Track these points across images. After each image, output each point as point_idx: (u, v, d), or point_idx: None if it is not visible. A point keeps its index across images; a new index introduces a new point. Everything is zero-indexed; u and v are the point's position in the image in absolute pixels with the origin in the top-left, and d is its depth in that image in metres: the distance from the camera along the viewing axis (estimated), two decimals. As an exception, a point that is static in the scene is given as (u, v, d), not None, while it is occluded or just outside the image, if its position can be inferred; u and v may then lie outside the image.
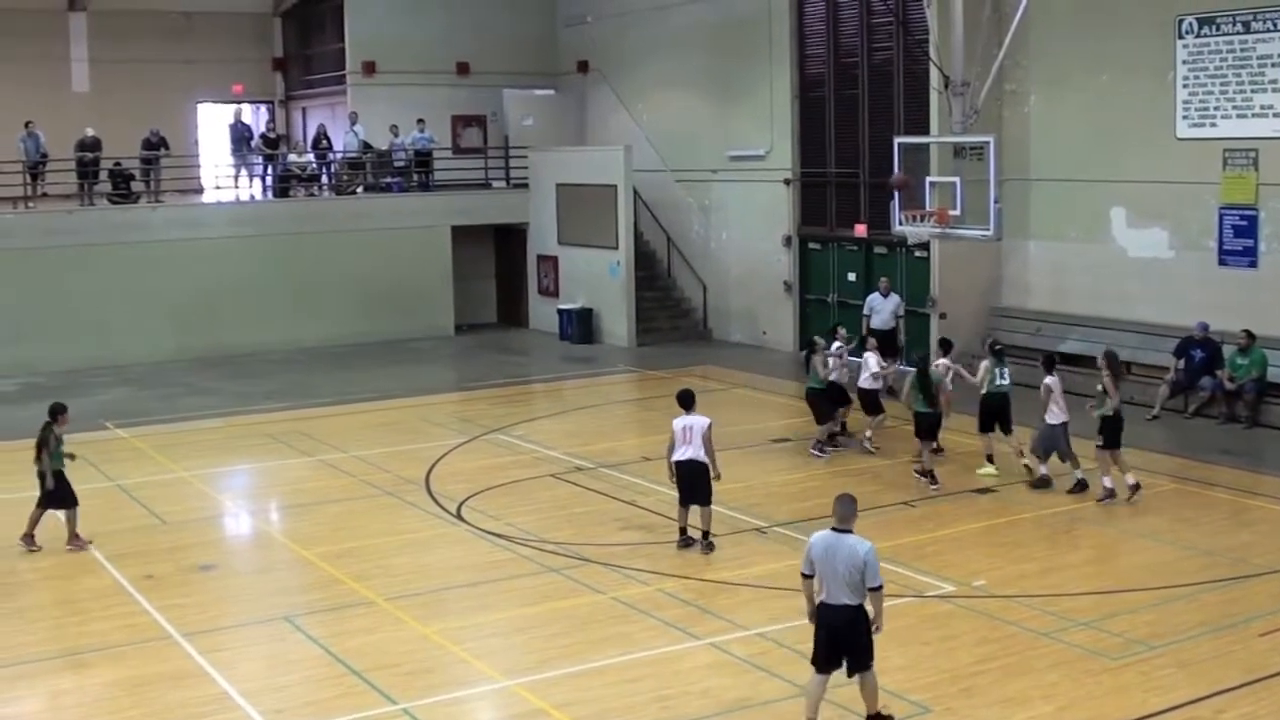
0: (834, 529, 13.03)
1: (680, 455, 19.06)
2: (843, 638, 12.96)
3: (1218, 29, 27.85)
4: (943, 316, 32.12)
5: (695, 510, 19.17)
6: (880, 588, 12.95)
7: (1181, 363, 27.36)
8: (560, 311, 39.65)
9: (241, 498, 24.04)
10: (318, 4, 45.87)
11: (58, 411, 20.64)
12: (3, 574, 18.82)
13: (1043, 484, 21.94)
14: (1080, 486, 21.43)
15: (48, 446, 20.29)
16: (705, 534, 19.17)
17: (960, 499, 21.50)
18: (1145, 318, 29.34)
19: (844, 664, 13.12)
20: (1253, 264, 27.58)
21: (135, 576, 18.46)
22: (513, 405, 30.04)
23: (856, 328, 30.11)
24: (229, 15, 45.67)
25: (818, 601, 13.08)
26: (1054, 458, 21.92)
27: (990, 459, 23.09)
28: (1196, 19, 28.16)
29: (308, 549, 19.75)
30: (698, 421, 19.07)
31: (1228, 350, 27.06)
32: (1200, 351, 27.24)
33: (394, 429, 27.72)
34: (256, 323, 37.02)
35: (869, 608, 12.97)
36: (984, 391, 23.03)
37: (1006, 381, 23.06)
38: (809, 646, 15.13)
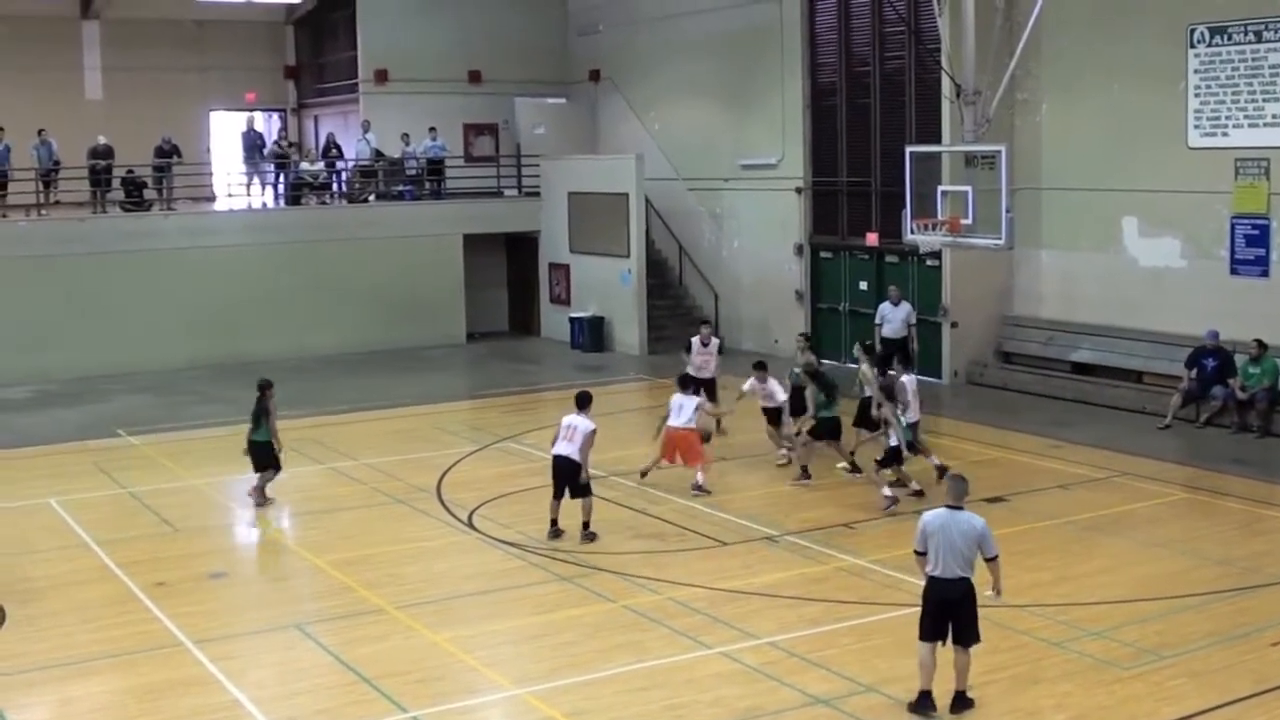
0: (948, 505, 13.91)
1: (557, 450, 20.03)
2: (954, 609, 13.66)
3: (1229, 38, 27.84)
4: (954, 325, 32.12)
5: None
6: (997, 557, 13.99)
7: (1194, 372, 27.32)
8: (572, 320, 39.65)
9: (252, 505, 24.00)
10: (330, 12, 45.92)
11: (266, 386, 23.03)
12: (15, 581, 18.82)
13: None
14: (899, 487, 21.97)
15: (268, 416, 22.59)
16: (585, 524, 20.02)
17: (973, 508, 21.19)
18: (1157, 327, 29.31)
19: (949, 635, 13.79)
20: (1264, 273, 27.55)
21: (146, 584, 18.48)
22: (524, 413, 30.03)
23: (869, 337, 30.12)
24: (242, 24, 45.80)
25: (930, 575, 13.79)
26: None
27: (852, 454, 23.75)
28: (1208, 28, 28.14)
29: (319, 556, 19.76)
30: (582, 424, 20.02)
31: (1240, 359, 27.03)
32: (1212, 360, 27.21)
33: (406, 437, 27.74)
34: (268, 330, 37.05)
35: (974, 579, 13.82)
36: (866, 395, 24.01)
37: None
38: (821, 655, 15.28)
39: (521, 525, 20.77)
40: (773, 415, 24.98)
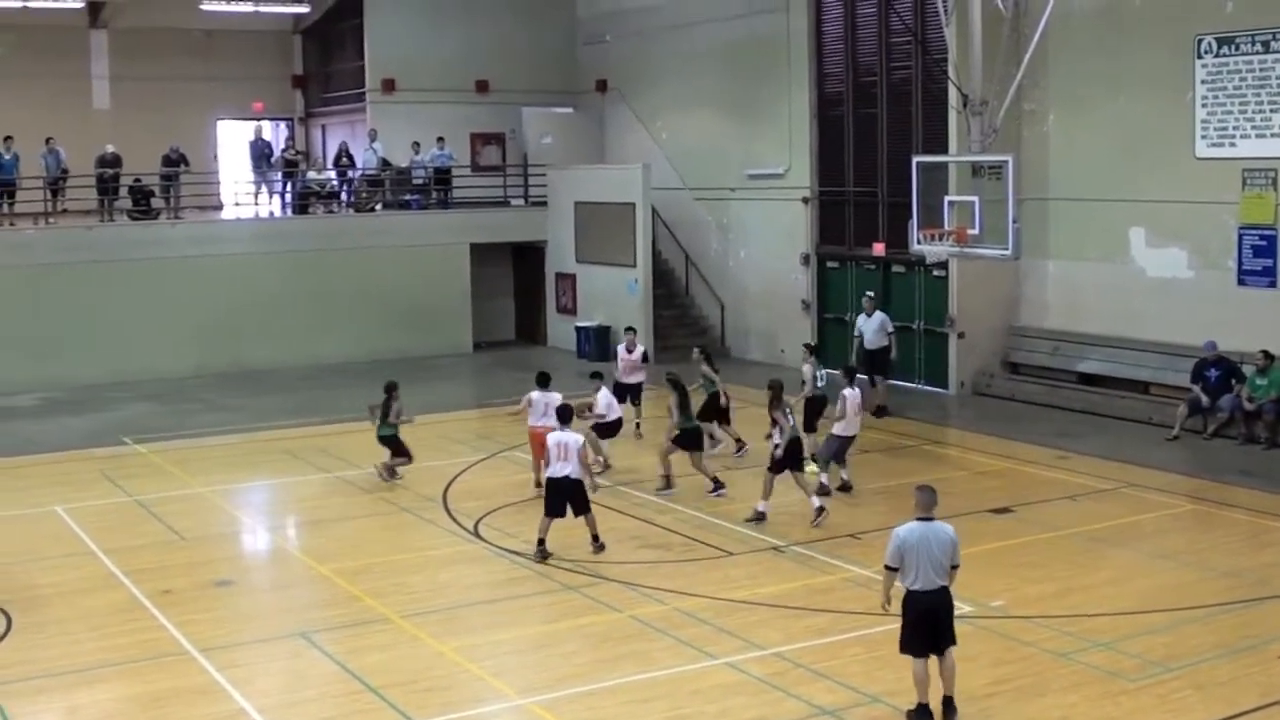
0: (919, 518, 13.83)
1: (555, 472, 19.64)
2: (939, 619, 13.77)
3: (1237, 49, 27.84)
4: (961, 336, 32.12)
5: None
6: (959, 566, 14.00)
7: (1199, 385, 27.27)
8: (578, 329, 39.67)
9: (259, 514, 24.10)
10: (338, 22, 46.01)
11: (392, 387, 24.80)
12: (22, 588, 18.85)
13: (823, 492, 22.38)
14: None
15: (389, 413, 24.39)
16: (594, 537, 19.90)
17: (979, 519, 21.44)
18: (1164, 338, 29.29)
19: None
20: (1272, 284, 27.52)
21: (152, 592, 18.49)
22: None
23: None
24: (249, 33, 45.81)
25: (910, 590, 13.77)
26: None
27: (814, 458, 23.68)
28: (1215, 39, 28.14)
29: (325, 565, 19.77)
30: (572, 440, 19.69)
31: (1247, 370, 27.00)
32: (1215, 371, 27.19)
33: (412, 446, 27.66)
34: (275, 339, 37.10)
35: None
36: (809, 394, 24.84)
37: (824, 384, 25.16)
38: (827, 665, 15.28)
39: (528, 534, 20.71)
40: (631, 391, 26.07)
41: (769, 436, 22.17)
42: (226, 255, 37.15)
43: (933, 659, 13.85)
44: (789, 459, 21.47)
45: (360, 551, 20.50)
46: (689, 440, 23.21)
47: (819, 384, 24.94)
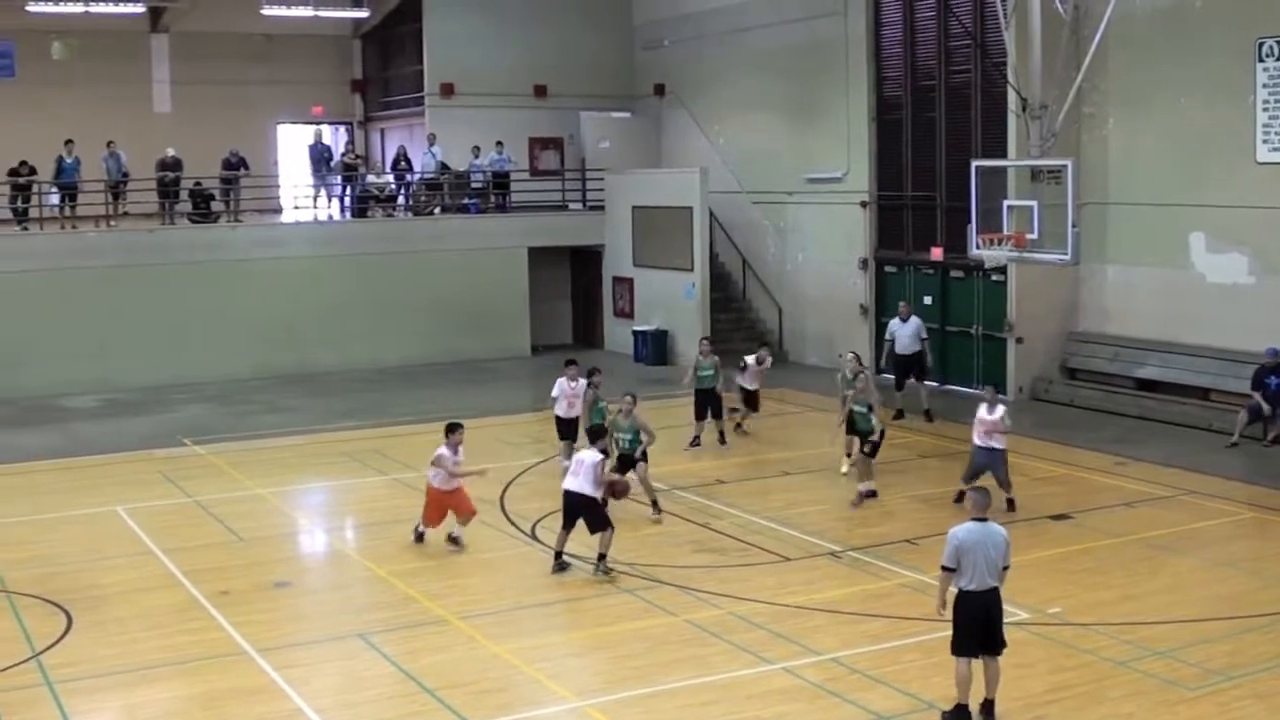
0: (975, 519, 13.97)
1: (566, 485, 19.54)
2: (990, 620, 13.87)
3: (1299, 52, 27.65)
4: (1019, 341, 31.97)
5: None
6: (1009, 567, 14.11)
7: (1259, 392, 27.04)
8: (635, 333, 39.70)
9: (317, 515, 24.21)
10: (397, 26, 46.19)
11: (593, 372, 24.85)
12: (83, 588, 19.00)
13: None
14: None
15: (592, 405, 24.15)
16: (601, 556, 19.22)
17: (1038, 525, 21.36)
18: (1224, 344, 29.07)
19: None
20: (1335, 291, 27.32)
21: (211, 592, 18.62)
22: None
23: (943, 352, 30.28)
24: (309, 37, 46.06)
25: (964, 590, 13.89)
26: None
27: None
28: (1277, 42, 27.89)
29: (382, 567, 19.85)
30: (589, 457, 19.41)
31: (1308, 378, 26.82)
32: (1276, 378, 26.94)
33: (469, 448, 27.51)
34: (334, 342, 37.30)
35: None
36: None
37: (710, 372, 26.78)
38: (883, 671, 15.24)
39: (584, 538, 20.72)
40: (568, 427, 24.98)
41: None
42: (286, 258, 37.37)
43: (980, 662, 13.88)
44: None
45: (417, 553, 20.58)
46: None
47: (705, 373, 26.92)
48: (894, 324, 30.55)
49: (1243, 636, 16.54)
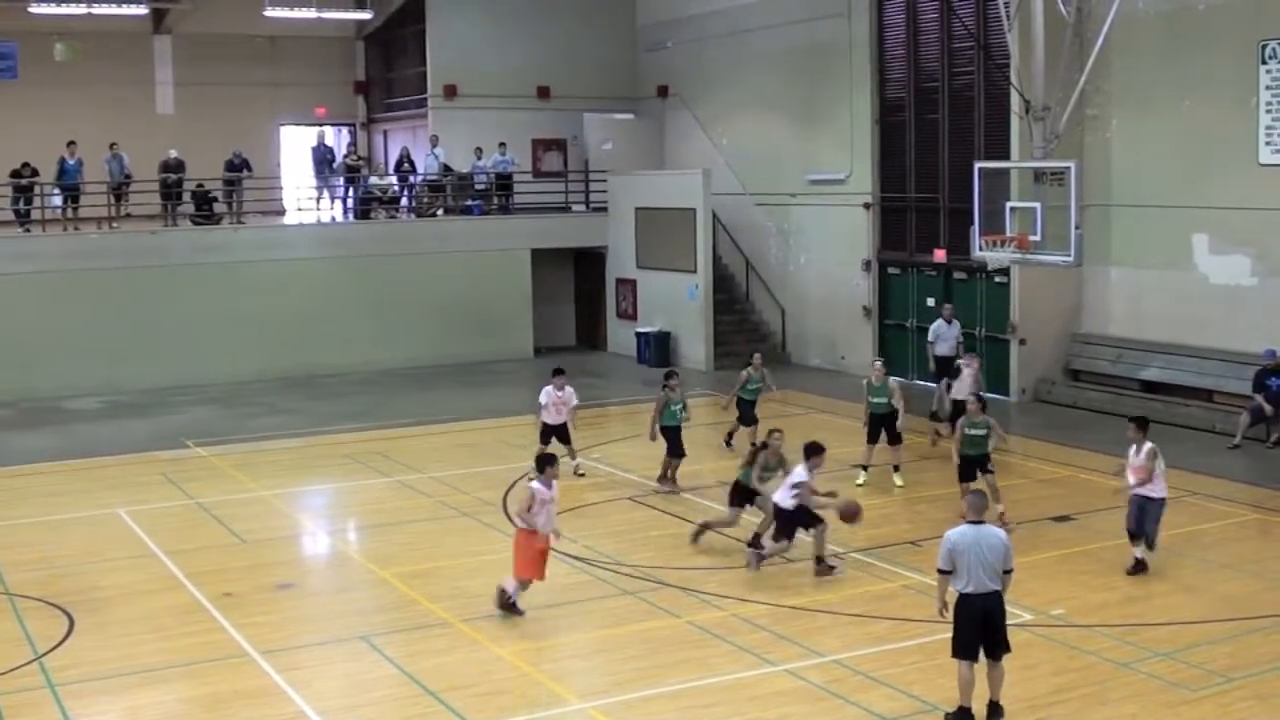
0: (971, 522, 14.02)
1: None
2: (992, 623, 13.86)
3: (1302, 54, 27.66)
4: (1022, 342, 31.97)
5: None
6: (1012, 571, 14.08)
7: (1261, 394, 27.05)
8: (638, 334, 39.72)
9: (320, 517, 24.21)
10: (400, 28, 46.22)
11: (670, 375, 25.22)
12: (85, 589, 19.02)
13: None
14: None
15: (664, 406, 24.36)
16: (819, 558, 19.20)
17: (1040, 526, 21.37)
18: (1227, 345, 29.08)
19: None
20: (1338, 292, 27.33)
21: (214, 594, 18.62)
22: (590, 428, 29.98)
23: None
24: (312, 39, 46.07)
25: (962, 593, 13.91)
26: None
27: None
28: (1280, 44, 27.95)
29: (385, 569, 19.85)
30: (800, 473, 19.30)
31: (1311, 379, 26.83)
32: (1277, 379, 26.97)
33: (472, 450, 27.85)
34: (337, 343, 37.31)
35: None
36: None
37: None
38: (886, 673, 15.24)
39: (587, 540, 20.79)
40: (556, 431, 25.06)
41: None
42: (288, 260, 37.40)
43: (983, 664, 13.89)
44: None
45: (420, 555, 20.60)
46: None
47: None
48: (939, 325, 30.38)
49: (1245, 638, 16.53)
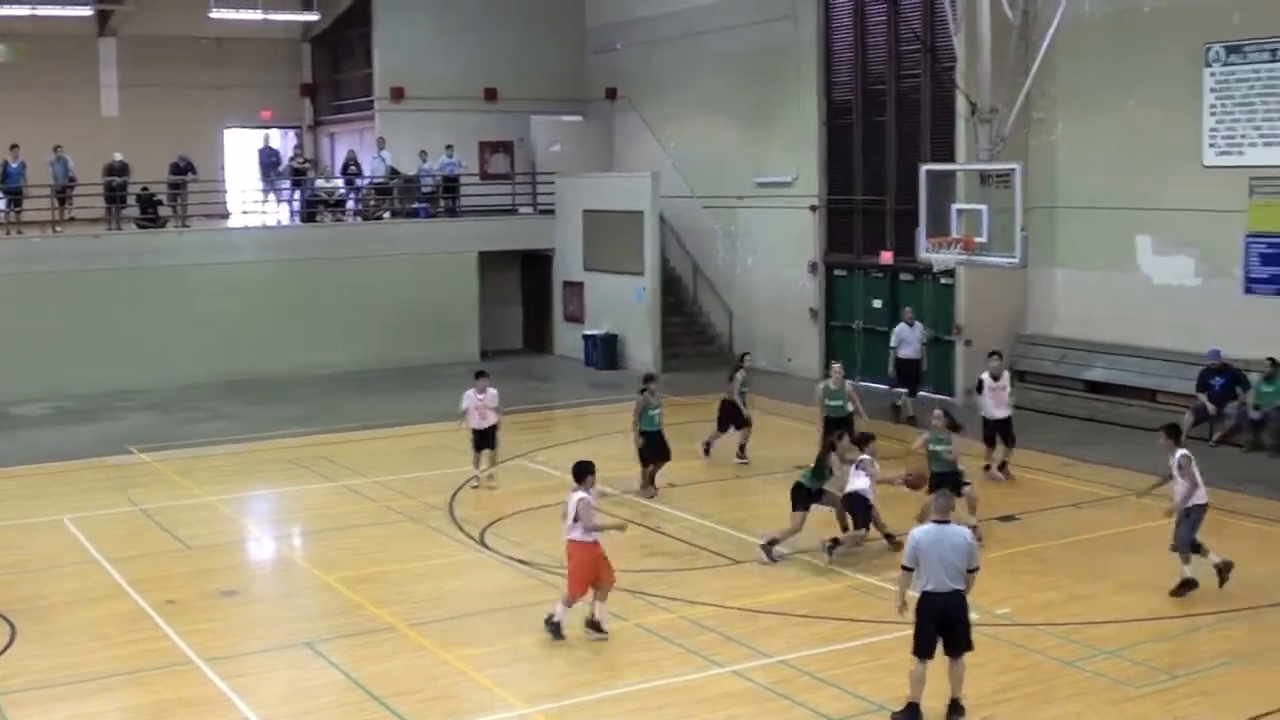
0: (936, 521, 14.15)
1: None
2: (952, 621, 13.92)
3: (1245, 57, 27.82)
4: (968, 343, 32.08)
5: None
6: (978, 569, 14.23)
7: (1204, 393, 27.27)
8: (585, 337, 39.68)
9: (264, 523, 24.09)
10: (347, 30, 46.05)
11: (649, 379, 24.57)
12: (29, 598, 18.84)
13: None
14: None
15: (642, 410, 23.83)
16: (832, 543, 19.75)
17: (986, 526, 21.34)
18: (1171, 345, 29.28)
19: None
20: (1278, 292, 27.50)
21: (158, 602, 18.48)
22: (537, 431, 30.04)
23: (882, 355, 30.21)
24: (259, 41, 45.79)
25: (923, 591, 13.96)
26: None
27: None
28: (1224, 47, 28.12)
29: (330, 574, 19.76)
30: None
31: (1253, 378, 27.00)
32: (1220, 379, 27.21)
33: (418, 454, 27.74)
34: (283, 347, 37.09)
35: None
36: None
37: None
38: (833, 673, 15.29)
39: (533, 543, 20.76)
40: (481, 436, 24.73)
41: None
42: (234, 264, 37.16)
43: (940, 663, 13.94)
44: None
45: (366, 560, 20.50)
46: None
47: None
48: (901, 329, 30.53)
49: (1189, 635, 16.70)
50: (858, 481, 19.90)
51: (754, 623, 17.29)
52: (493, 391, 24.90)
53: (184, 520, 22.95)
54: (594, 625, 16.79)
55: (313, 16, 45.28)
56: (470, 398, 24.76)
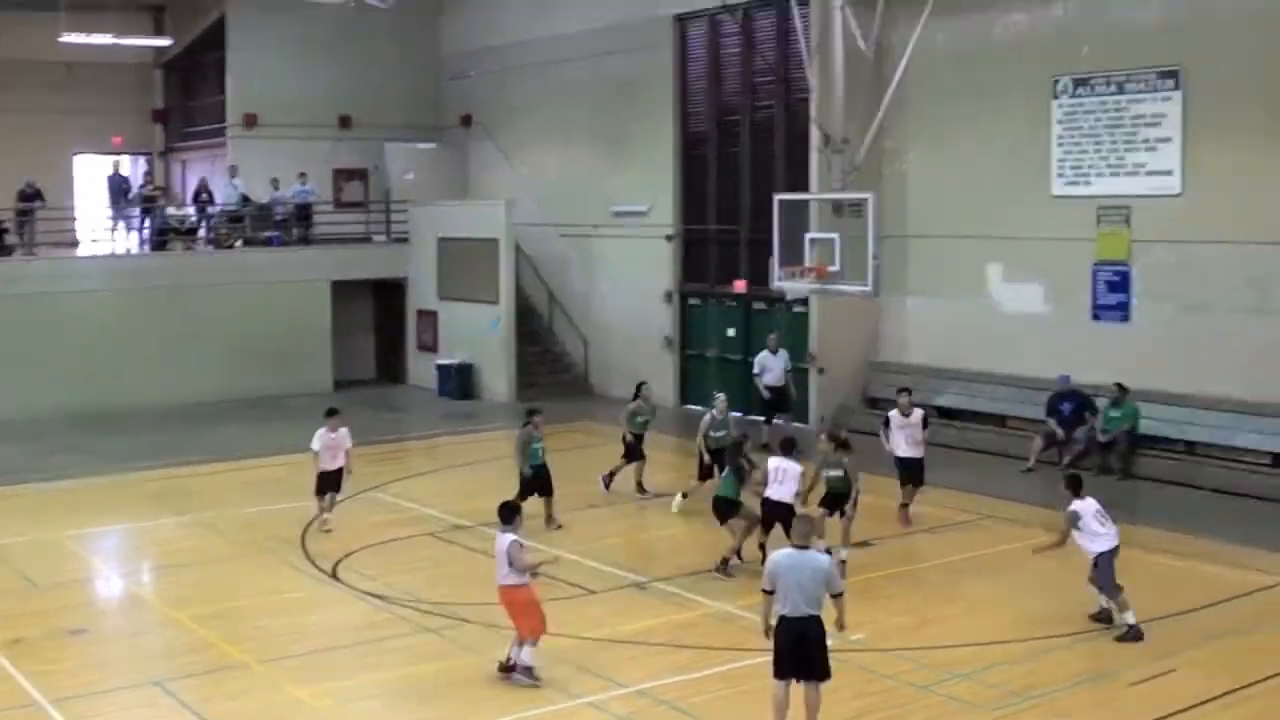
0: (795, 546, 14.12)
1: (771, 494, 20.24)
2: (806, 647, 13.85)
3: (1092, 90, 28.39)
4: (821, 371, 32.33)
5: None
6: (843, 593, 14.38)
7: (1054, 418, 27.75)
8: (439, 366, 39.44)
9: (114, 559, 23.65)
10: (199, 56, 45.54)
11: (533, 412, 23.85)
12: None
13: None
14: None
15: (526, 444, 23.35)
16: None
17: (839, 552, 21.53)
18: (1021, 371, 29.73)
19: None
20: (1125, 319, 28.12)
21: (3, 642, 18.00)
22: (390, 463, 29.78)
23: (738, 383, 30.35)
24: (109, 66, 45.04)
25: (781, 615, 13.88)
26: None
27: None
28: (1072, 79, 28.68)
29: (180, 611, 19.44)
30: (793, 467, 20.22)
31: (1101, 403, 27.49)
32: (1069, 404, 27.71)
33: (270, 487, 27.38)
34: (135, 378, 36.41)
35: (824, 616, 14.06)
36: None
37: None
38: (690, 702, 15.28)
39: (387, 577, 20.58)
40: (331, 479, 23.71)
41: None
42: (83, 293, 36.48)
43: (799, 687, 13.98)
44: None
45: (217, 596, 20.19)
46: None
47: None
48: (764, 356, 30.51)
49: (1042, 657, 16.89)
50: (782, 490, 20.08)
51: (612, 653, 17.25)
52: (344, 430, 24.03)
53: (31, 557, 22.41)
54: (511, 669, 16.25)
55: (165, 41, 44.77)
56: (322, 436, 23.82)
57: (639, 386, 26.49)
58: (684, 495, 24.52)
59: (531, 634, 16.17)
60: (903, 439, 23.79)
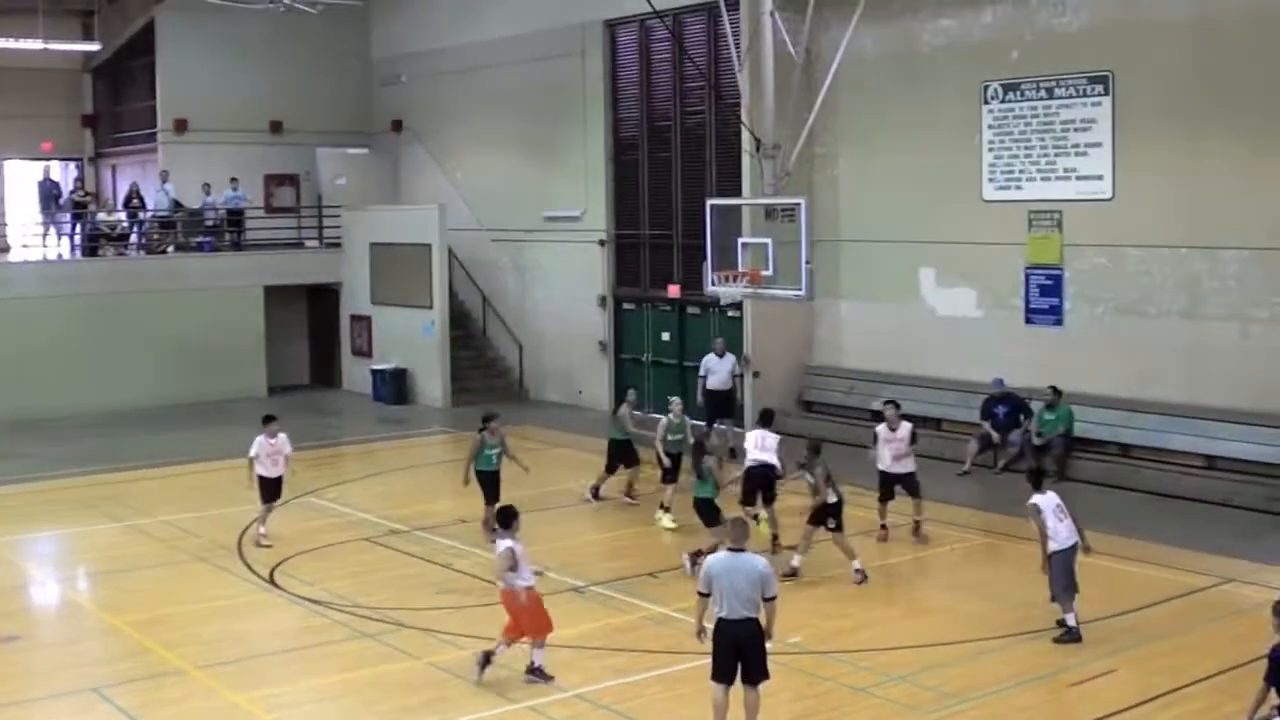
0: (730, 549, 14.13)
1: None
2: (743, 649, 13.87)
3: (1022, 95, 28.60)
4: (756, 375, 32.42)
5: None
6: (775, 598, 14.11)
7: (988, 422, 27.96)
8: (374, 372, 39.34)
9: (48, 565, 23.46)
10: (129, 60, 45.24)
11: (489, 418, 23.48)
12: None
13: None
14: None
15: (479, 450, 23.00)
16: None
17: (775, 557, 21.62)
18: (955, 375, 29.91)
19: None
20: (1058, 322, 28.31)
21: (-65, 649, 17.94)
22: (325, 468, 29.66)
23: (674, 387, 30.38)
24: (38, 71, 44.68)
25: (718, 617, 13.89)
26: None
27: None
28: (1001, 85, 28.89)
29: (117, 617, 19.33)
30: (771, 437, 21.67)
31: (1035, 406, 27.69)
32: (1003, 408, 27.92)
33: (205, 492, 27.24)
34: (65, 385, 36.13)
35: (762, 619, 14.06)
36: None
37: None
38: (628, 705, 15.30)
39: (324, 582, 20.53)
40: (273, 487, 23.43)
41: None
42: (13, 299, 36.16)
43: (737, 689, 13.99)
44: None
45: (154, 602, 20.08)
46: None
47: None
48: (709, 359, 30.48)
49: (978, 659, 16.99)
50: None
51: (550, 657, 17.14)
52: (283, 436, 23.75)
53: (-39, 564, 22.29)
54: (488, 660, 16.31)
55: (94, 46, 44.42)
56: (261, 443, 23.55)
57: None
58: (665, 509, 24.28)
59: (538, 634, 16.34)
60: (888, 453, 23.29)
